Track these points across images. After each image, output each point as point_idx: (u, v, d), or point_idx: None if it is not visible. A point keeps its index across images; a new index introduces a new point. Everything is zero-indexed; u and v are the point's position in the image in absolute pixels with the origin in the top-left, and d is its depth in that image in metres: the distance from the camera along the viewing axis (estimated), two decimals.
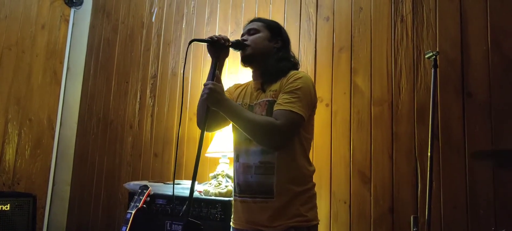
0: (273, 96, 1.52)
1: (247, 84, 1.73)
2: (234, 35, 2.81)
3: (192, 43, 1.52)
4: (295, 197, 1.47)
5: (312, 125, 1.61)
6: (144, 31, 3.43)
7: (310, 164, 1.57)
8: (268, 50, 1.61)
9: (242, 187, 1.54)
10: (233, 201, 1.63)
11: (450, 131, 1.96)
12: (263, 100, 1.54)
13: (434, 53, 1.80)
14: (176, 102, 3.08)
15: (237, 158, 1.60)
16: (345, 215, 2.18)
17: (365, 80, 2.24)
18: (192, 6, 3.15)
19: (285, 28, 2.55)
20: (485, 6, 1.96)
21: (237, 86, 1.77)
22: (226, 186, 2.28)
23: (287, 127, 1.43)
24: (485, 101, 1.90)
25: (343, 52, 2.35)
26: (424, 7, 2.12)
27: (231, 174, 2.36)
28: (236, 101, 1.66)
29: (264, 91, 1.57)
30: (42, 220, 3.51)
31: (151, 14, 3.42)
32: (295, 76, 1.52)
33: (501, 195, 1.81)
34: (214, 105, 1.48)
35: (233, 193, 1.61)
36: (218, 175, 2.34)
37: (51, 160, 3.64)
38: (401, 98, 2.12)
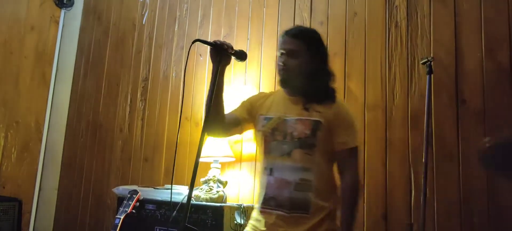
0: (319, 117, 1.57)
1: (274, 93, 1.74)
2: (227, 39, 2.78)
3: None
4: (329, 214, 1.54)
5: None
6: (136, 34, 3.39)
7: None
8: (308, 73, 1.61)
9: (279, 202, 1.55)
10: (258, 212, 1.62)
11: (444, 138, 1.95)
12: (307, 119, 1.57)
13: (428, 59, 1.79)
14: (167, 106, 3.04)
15: (271, 171, 1.60)
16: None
17: (358, 86, 2.23)
18: (184, 9, 3.12)
19: (278, 32, 2.55)
20: (479, 13, 1.96)
21: (264, 95, 1.76)
22: (217, 192, 2.25)
23: (358, 166, 1.62)
24: (479, 108, 1.89)
25: (337, 57, 2.33)
26: (419, 13, 2.12)
27: (223, 179, 2.33)
28: (267, 113, 1.65)
29: (307, 109, 1.59)
30: (27, 225, 3.43)
31: (142, 16, 3.38)
32: (346, 109, 1.66)
33: (495, 201, 1.80)
34: None
35: (261, 205, 1.60)
36: (209, 180, 2.31)
37: (38, 164, 3.56)
38: (395, 104, 2.11)
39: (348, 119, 1.61)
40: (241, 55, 1.55)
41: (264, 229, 1.58)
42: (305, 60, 1.60)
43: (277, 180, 1.57)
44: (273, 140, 1.60)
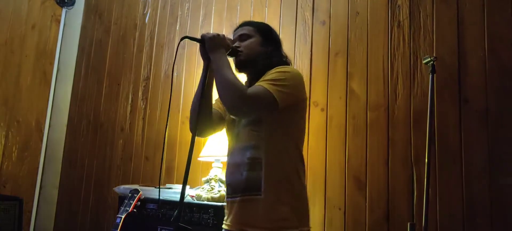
0: None
1: None
2: None
3: (183, 41, 1.48)
4: (286, 195, 1.43)
5: (302, 123, 1.57)
6: (137, 33, 3.38)
7: (302, 162, 1.52)
8: (261, 55, 1.57)
9: (234, 187, 1.50)
10: (225, 205, 1.59)
11: (446, 138, 1.94)
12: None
13: (432, 58, 1.79)
14: (168, 105, 3.03)
15: (228, 158, 1.58)
16: (340, 222, 2.15)
17: (361, 85, 2.22)
18: (186, 8, 3.11)
19: (280, 31, 2.54)
20: (482, 12, 1.95)
21: None
22: (219, 191, 2.24)
23: (253, 99, 1.38)
24: (482, 108, 1.88)
25: (339, 57, 2.32)
26: (421, 12, 2.11)
27: (224, 178, 2.32)
28: None
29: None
30: (28, 224, 3.42)
31: (144, 15, 3.37)
32: (282, 68, 1.49)
33: (497, 202, 1.79)
34: (211, 50, 1.44)
35: (225, 196, 1.58)
36: (210, 179, 2.30)
37: (39, 163, 3.55)
38: (397, 104, 2.10)
39: (273, 72, 1.45)
40: (232, 51, 1.53)
41: (225, 219, 1.54)
42: (257, 41, 1.57)
43: (230, 165, 1.53)
44: (233, 127, 1.56)
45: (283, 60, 1.61)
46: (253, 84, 1.48)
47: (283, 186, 1.44)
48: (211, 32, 1.50)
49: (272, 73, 1.45)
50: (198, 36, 1.50)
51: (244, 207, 1.46)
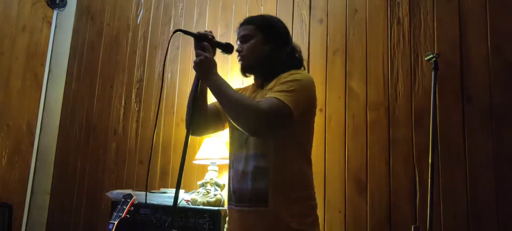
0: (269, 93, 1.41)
1: (248, 86, 1.64)
2: (224, 38, 2.71)
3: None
4: (293, 205, 1.36)
5: (311, 127, 1.51)
6: (130, 34, 3.31)
7: (310, 168, 1.46)
8: (265, 55, 1.50)
9: (238, 196, 1.43)
10: (227, 210, 1.52)
11: (449, 136, 1.89)
12: (259, 100, 1.42)
13: (434, 55, 1.74)
14: (162, 107, 2.96)
15: (232, 164, 1.50)
16: (340, 225, 2.09)
17: (360, 84, 2.16)
18: (180, 8, 3.05)
19: None
20: (484, 8, 1.90)
21: (239, 90, 1.66)
22: (215, 195, 2.18)
23: (272, 114, 1.30)
24: (486, 105, 1.83)
25: (337, 55, 2.27)
26: (421, 9, 2.06)
27: (220, 182, 2.25)
28: None
29: (262, 89, 1.48)
30: None
31: (137, 16, 3.30)
32: (294, 74, 1.42)
33: (503, 202, 1.74)
34: (203, 76, 1.38)
35: (227, 201, 1.51)
36: (206, 183, 2.24)
37: (30, 168, 3.47)
38: (398, 102, 2.04)
39: (286, 78, 1.38)
40: (227, 48, 1.47)
41: (229, 227, 1.49)
42: (259, 41, 1.49)
43: (236, 172, 1.45)
44: (239, 132, 1.46)
45: (294, 59, 1.53)
46: (265, 85, 1.44)
47: (290, 196, 1.37)
48: (196, 53, 1.40)
49: (285, 82, 1.38)
50: (192, 43, 1.43)
51: (248, 218, 1.39)
